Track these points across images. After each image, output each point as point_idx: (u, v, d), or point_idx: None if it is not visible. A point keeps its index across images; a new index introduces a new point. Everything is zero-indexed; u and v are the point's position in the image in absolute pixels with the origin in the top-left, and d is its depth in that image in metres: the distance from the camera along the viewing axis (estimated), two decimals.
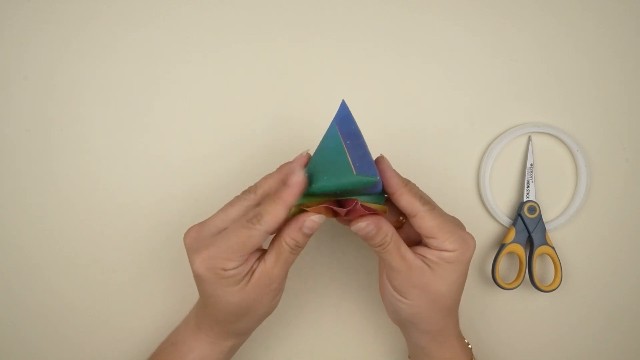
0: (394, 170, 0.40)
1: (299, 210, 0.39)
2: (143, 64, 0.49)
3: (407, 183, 0.40)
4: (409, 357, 0.48)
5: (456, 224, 0.41)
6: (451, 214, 0.52)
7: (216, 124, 0.50)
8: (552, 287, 0.50)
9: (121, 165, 0.50)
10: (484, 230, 0.52)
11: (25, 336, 0.50)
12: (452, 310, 0.43)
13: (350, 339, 0.52)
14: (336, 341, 0.52)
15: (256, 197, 0.40)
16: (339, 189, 0.37)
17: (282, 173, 0.40)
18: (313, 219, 0.38)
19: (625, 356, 0.54)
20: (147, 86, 0.49)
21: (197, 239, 0.39)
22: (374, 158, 0.39)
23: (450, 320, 0.43)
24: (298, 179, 0.37)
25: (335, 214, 0.40)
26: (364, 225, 0.38)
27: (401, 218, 0.44)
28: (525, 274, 0.51)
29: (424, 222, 0.40)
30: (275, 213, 0.37)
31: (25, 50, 0.49)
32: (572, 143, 0.51)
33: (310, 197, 0.39)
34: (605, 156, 0.52)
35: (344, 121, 0.40)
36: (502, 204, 0.52)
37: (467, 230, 0.51)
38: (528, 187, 0.51)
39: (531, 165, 0.51)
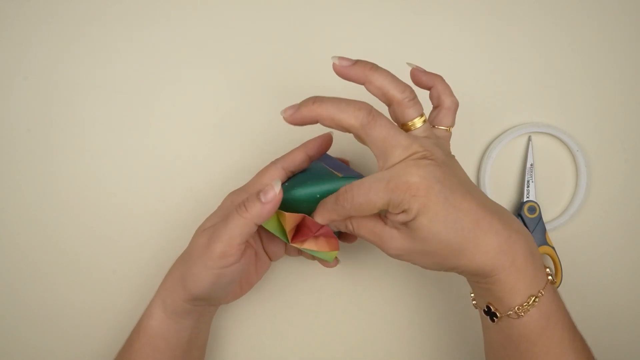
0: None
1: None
2: (143, 63, 0.49)
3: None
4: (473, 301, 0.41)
5: (402, 174, 0.35)
6: None
7: (217, 125, 0.50)
8: None
9: (121, 165, 0.50)
10: None
11: (25, 336, 0.50)
12: (464, 250, 0.35)
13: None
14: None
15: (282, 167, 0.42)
16: (322, 193, 0.39)
17: (307, 147, 0.42)
18: (275, 187, 0.37)
19: (625, 356, 0.54)
20: (147, 86, 0.49)
21: (207, 222, 0.42)
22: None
23: (481, 255, 0.35)
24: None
25: (308, 230, 0.40)
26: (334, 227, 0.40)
27: None
28: None
29: (355, 230, 0.39)
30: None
31: (25, 50, 0.49)
32: (572, 143, 0.51)
33: (289, 208, 0.40)
34: (605, 156, 0.52)
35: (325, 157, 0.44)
36: (502, 204, 0.52)
37: None
38: (528, 187, 0.51)
39: (531, 165, 0.51)
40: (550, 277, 0.37)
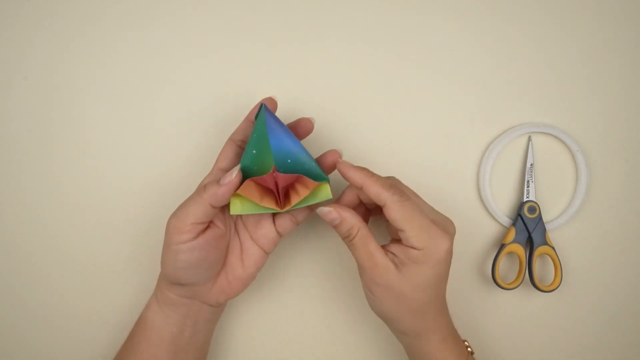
0: (354, 167, 0.41)
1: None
2: (143, 63, 0.49)
3: (372, 175, 0.40)
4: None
5: (434, 222, 0.40)
6: (451, 214, 0.52)
7: (217, 124, 0.50)
8: (552, 287, 0.50)
9: (121, 164, 0.50)
10: (484, 230, 0.52)
11: (25, 336, 0.50)
12: (424, 312, 0.41)
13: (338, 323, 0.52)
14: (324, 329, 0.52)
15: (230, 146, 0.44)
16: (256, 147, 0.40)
17: (249, 115, 0.43)
18: (233, 173, 0.39)
19: (625, 356, 0.54)
20: (147, 86, 0.49)
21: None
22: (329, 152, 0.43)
23: (426, 323, 0.42)
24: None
25: (275, 198, 0.40)
26: (327, 210, 0.40)
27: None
28: (525, 274, 0.51)
29: (392, 212, 0.39)
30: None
31: (25, 50, 0.49)
32: (572, 143, 0.51)
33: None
34: (605, 156, 0.52)
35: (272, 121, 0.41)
36: (502, 204, 0.52)
37: (468, 229, 0.52)
38: (528, 187, 0.51)
39: (531, 165, 0.51)
40: (468, 347, 0.45)
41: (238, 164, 0.41)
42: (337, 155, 0.43)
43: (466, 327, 0.52)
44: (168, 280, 0.42)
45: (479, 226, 0.52)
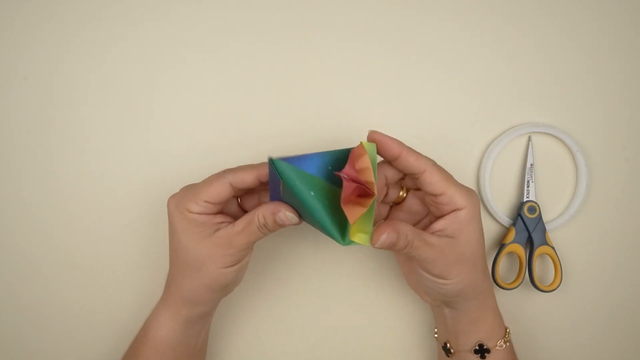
0: (390, 137, 0.40)
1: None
2: (143, 63, 0.49)
3: (404, 145, 0.40)
4: (435, 334, 0.48)
5: (462, 184, 0.42)
6: None
7: (217, 124, 0.50)
8: (552, 287, 0.50)
9: (122, 165, 0.50)
10: (484, 230, 0.52)
11: (24, 336, 0.50)
12: (485, 269, 0.44)
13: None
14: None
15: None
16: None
17: (259, 170, 0.41)
18: (287, 214, 0.39)
19: (625, 356, 0.54)
20: (147, 85, 0.49)
21: (178, 192, 0.43)
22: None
23: (489, 280, 0.44)
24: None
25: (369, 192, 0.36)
26: (385, 237, 0.38)
27: (402, 193, 0.44)
28: (525, 274, 0.51)
29: (434, 175, 0.40)
30: (245, 171, 0.40)
31: (25, 50, 0.49)
32: (572, 143, 0.51)
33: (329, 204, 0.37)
34: (605, 156, 0.52)
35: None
36: (502, 204, 0.52)
37: None
38: (528, 187, 0.51)
39: (531, 165, 0.51)
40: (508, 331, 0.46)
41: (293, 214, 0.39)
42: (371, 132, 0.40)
43: None
44: (188, 297, 0.42)
45: None
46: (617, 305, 0.53)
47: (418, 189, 0.43)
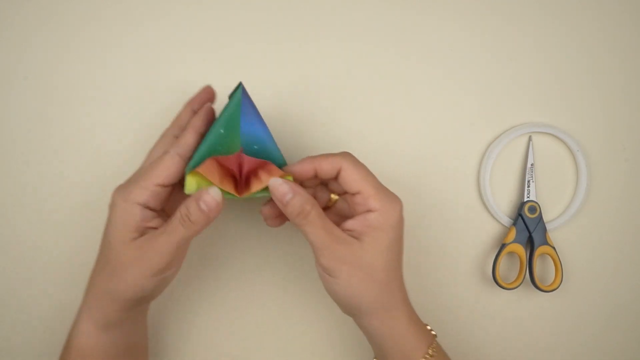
0: (297, 164, 0.40)
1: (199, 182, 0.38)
2: (143, 63, 0.49)
3: (315, 156, 0.40)
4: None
5: (384, 187, 0.39)
6: (451, 214, 0.53)
7: None
8: (553, 287, 0.50)
9: (121, 165, 0.50)
10: (484, 230, 0.52)
11: (24, 336, 0.49)
12: (390, 282, 0.39)
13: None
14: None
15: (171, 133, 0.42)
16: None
17: (195, 126, 0.40)
18: (211, 193, 0.36)
19: (625, 356, 0.54)
20: (147, 86, 0.49)
21: (123, 183, 0.40)
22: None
23: (393, 297, 0.40)
24: (209, 108, 0.40)
25: (235, 182, 0.39)
26: (279, 182, 0.37)
27: (333, 196, 0.43)
28: (525, 274, 0.51)
29: (349, 173, 0.38)
30: (186, 137, 0.39)
31: (25, 50, 0.49)
32: (572, 143, 0.51)
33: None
34: (605, 156, 0.52)
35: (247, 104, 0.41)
36: (503, 204, 0.52)
37: (468, 229, 0.52)
38: (528, 187, 0.51)
39: (531, 165, 0.51)
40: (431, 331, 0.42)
41: (214, 187, 0.37)
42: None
43: (466, 326, 0.52)
44: (129, 305, 0.39)
45: (479, 226, 0.52)
46: (618, 304, 0.53)
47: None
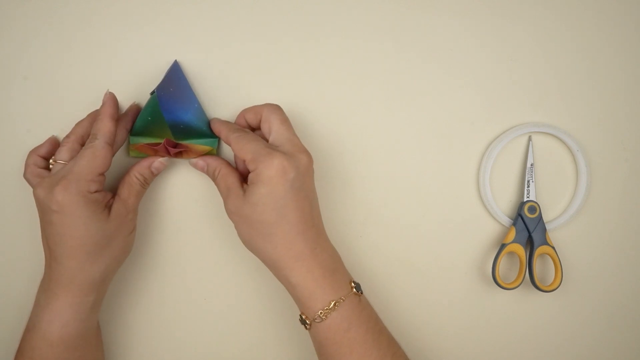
0: (220, 121, 0.47)
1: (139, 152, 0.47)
2: (143, 63, 0.49)
3: (226, 122, 0.47)
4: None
5: (271, 147, 0.43)
6: (451, 214, 0.52)
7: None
8: (553, 287, 0.50)
9: (122, 165, 0.50)
10: (484, 230, 0.52)
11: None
12: (272, 235, 0.42)
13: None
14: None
15: (75, 139, 0.45)
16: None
17: (92, 116, 0.46)
18: (161, 160, 0.46)
19: (626, 356, 0.54)
20: (147, 86, 0.49)
21: (47, 182, 0.41)
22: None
23: (278, 248, 0.42)
24: (111, 95, 0.45)
25: (168, 153, 0.47)
26: (195, 161, 0.47)
27: None
28: (525, 274, 0.51)
29: (233, 146, 0.44)
30: (103, 125, 0.43)
31: (25, 50, 0.49)
32: (572, 143, 0.51)
33: (148, 137, 0.47)
34: (605, 156, 0.52)
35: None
36: (502, 204, 0.52)
37: (468, 229, 0.51)
38: (528, 187, 0.51)
39: (531, 165, 0.51)
40: (354, 289, 0.43)
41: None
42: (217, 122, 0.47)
43: (466, 326, 0.52)
44: (96, 279, 0.43)
45: (479, 226, 0.52)
46: (618, 304, 0.53)
47: None
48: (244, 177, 0.46)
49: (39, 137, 0.48)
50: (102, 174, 0.43)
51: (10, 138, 0.49)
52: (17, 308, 0.49)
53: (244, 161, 0.43)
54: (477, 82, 0.52)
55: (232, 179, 0.44)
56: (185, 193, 0.50)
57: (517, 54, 0.52)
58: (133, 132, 0.47)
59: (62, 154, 0.44)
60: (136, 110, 0.47)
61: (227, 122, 0.47)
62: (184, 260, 0.50)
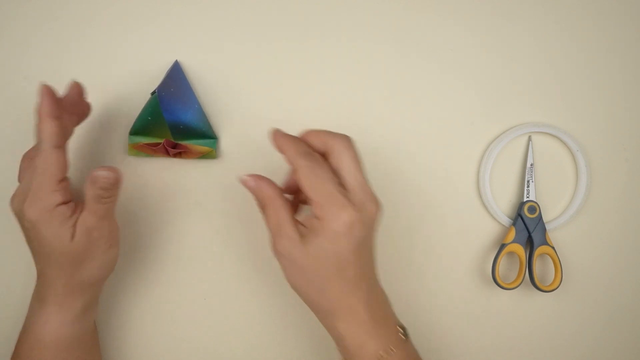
0: (283, 134, 0.40)
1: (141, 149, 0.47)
2: (143, 63, 0.49)
3: (294, 140, 0.40)
4: None
5: (343, 194, 0.38)
6: (451, 214, 0.52)
7: (223, 125, 0.50)
8: (552, 287, 0.50)
9: (121, 165, 0.50)
10: (483, 230, 0.52)
11: None
12: (326, 289, 0.39)
13: None
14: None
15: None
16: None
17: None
18: (102, 174, 0.38)
19: (626, 356, 0.54)
20: (147, 86, 0.49)
21: (18, 196, 0.40)
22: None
23: (331, 302, 0.39)
24: (45, 89, 0.39)
25: (168, 153, 0.46)
26: (245, 178, 0.41)
27: None
28: (525, 274, 0.51)
29: (300, 177, 0.38)
30: (45, 127, 0.38)
31: (25, 50, 0.49)
32: (572, 143, 0.51)
33: (147, 137, 0.47)
34: (605, 156, 0.52)
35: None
36: (502, 204, 0.52)
37: (468, 229, 0.51)
38: (528, 187, 0.51)
39: (531, 165, 0.51)
40: (402, 334, 0.41)
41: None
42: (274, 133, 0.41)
43: (466, 327, 0.52)
44: (83, 285, 0.41)
45: (479, 226, 0.52)
46: (618, 305, 0.53)
47: None
48: (291, 191, 0.43)
49: None
50: (63, 180, 0.39)
51: (10, 138, 0.49)
52: (15, 310, 0.49)
53: (307, 195, 0.38)
54: (477, 82, 0.52)
55: (286, 216, 0.39)
56: (186, 193, 0.50)
57: (517, 54, 0.52)
58: (132, 131, 0.47)
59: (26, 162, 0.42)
60: (49, 92, 0.40)
61: (293, 139, 0.40)
62: (184, 260, 0.50)
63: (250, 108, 0.50)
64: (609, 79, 0.52)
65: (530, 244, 0.51)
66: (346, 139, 0.40)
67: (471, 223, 0.52)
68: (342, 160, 0.39)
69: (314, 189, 0.38)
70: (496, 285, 0.50)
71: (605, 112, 0.52)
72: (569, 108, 0.52)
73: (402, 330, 0.42)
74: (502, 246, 0.50)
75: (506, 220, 0.51)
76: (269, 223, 0.40)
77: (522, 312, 0.53)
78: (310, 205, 0.38)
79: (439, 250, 0.52)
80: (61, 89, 0.49)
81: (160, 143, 0.46)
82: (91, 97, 0.49)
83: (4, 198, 0.49)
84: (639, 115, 0.53)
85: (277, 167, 0.49)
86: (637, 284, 0.53)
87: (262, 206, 0.41)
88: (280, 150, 0.40)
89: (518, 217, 0.51)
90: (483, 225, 0.52)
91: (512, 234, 0.50)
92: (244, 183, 0.41)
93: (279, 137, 0.40)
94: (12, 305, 0.49)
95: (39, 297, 0.42)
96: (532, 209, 0.51)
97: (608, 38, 0.52)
